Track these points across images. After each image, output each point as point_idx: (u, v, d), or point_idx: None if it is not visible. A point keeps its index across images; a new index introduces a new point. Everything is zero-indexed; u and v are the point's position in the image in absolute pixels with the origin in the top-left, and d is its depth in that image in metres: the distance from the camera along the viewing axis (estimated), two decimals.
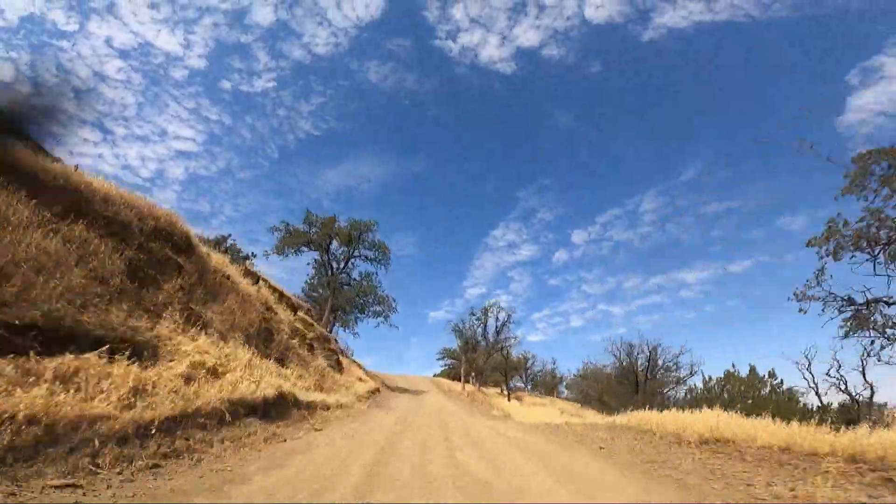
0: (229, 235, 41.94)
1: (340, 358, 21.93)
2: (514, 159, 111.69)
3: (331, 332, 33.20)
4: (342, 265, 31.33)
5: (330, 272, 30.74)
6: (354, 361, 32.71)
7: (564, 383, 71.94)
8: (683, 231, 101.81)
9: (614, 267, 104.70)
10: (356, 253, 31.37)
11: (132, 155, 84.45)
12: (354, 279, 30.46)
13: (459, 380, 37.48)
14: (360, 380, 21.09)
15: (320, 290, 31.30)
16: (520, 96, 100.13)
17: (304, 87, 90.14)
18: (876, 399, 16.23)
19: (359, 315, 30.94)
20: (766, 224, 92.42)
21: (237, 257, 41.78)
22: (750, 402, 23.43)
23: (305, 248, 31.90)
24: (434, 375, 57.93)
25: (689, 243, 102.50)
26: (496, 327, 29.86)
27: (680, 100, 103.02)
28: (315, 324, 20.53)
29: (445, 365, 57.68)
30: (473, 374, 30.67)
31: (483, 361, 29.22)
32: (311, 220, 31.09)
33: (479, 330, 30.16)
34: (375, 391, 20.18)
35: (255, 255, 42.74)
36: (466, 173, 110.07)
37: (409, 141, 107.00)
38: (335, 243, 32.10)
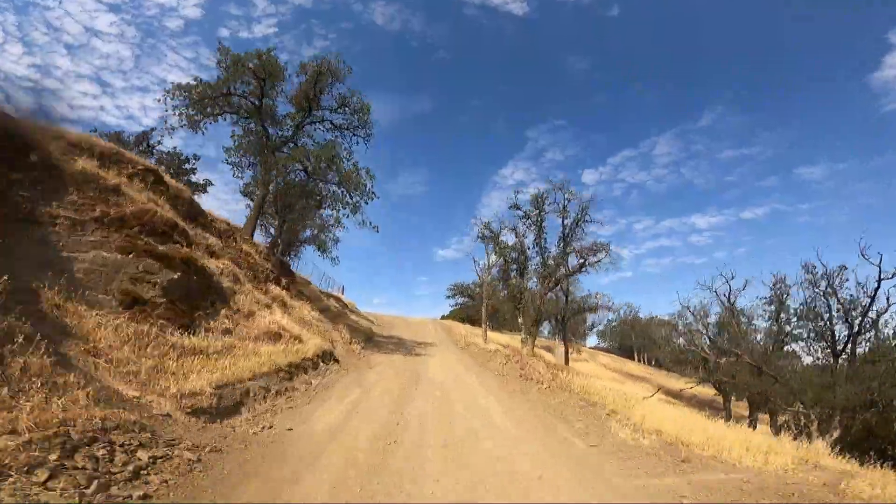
0: (152, 130, 28.01)
1: (241, 286, 9.61)
2: (524, 100, 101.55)
3: (280, 253, 20.86)
4: (290, 134, 17.96)
5: (267, 142, 17.47)
6: (320, 296, 20.86)
7: (596, 330, 60.39)
8: (699, 175, 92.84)
9: (626, 208, 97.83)
10: (314, 115, 17.88)
11: (133, 105, 75.27)
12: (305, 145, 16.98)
13: (477, 324, 25.35)
14: (279, 334, 8.90)
15: (250, 176, 18.16)
16: (532, 38, 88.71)
17: (307, 30, 79.95)
18: None
19: (309, 207, 17.78)
20: (783, 172, 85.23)
21: (169, 160, 28.39)
22: None
23: (231, 115, 18.43)
24: (442, 318, 46.58)
25: (703, 188, 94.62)
26: (562, 231, 15.88)
27: (700, 45, 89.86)
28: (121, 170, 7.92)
29: (457, 304, 46.43)
30: (526, 324, 17.05)
31: (540, 299, 16.08)
32: (234, 63, 17.19)
33: (530, 239, 16.62)
34: (305, 365, 8.05)
35: (197, 158, 29.22)
36: (474, 112, 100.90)
37: (415, 81, 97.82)
38: (279, 102, 18.54)
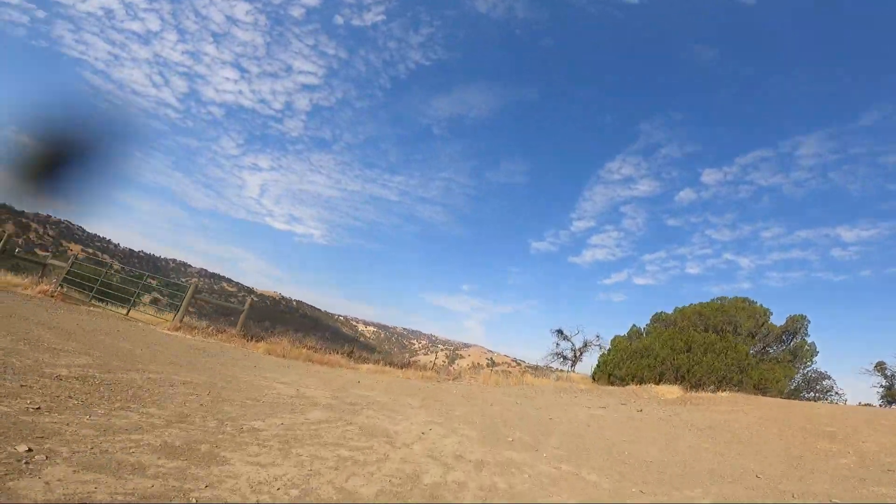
0: None
1: None
2: (637, 91, 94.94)
3: None
4: None
5: None
6: None
7: None
8: (853, 181, 77.29)
9: (752, 213, 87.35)
10: None
11: (265, 90, 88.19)
12: None
13: None
14: None
15: None
16: (647, 26, 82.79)
17: (413, 18, 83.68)
18: None
19: None
20: None
21: None
22: None
23: None
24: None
25: (857, 196, 77.96)
26: None
27: (864, 32, 76.46)
28: None
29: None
30: None
31: None
32: None
33: None
34: None
35: None
36: (581, 103, 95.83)
37: (520, 70, 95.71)
38: None
